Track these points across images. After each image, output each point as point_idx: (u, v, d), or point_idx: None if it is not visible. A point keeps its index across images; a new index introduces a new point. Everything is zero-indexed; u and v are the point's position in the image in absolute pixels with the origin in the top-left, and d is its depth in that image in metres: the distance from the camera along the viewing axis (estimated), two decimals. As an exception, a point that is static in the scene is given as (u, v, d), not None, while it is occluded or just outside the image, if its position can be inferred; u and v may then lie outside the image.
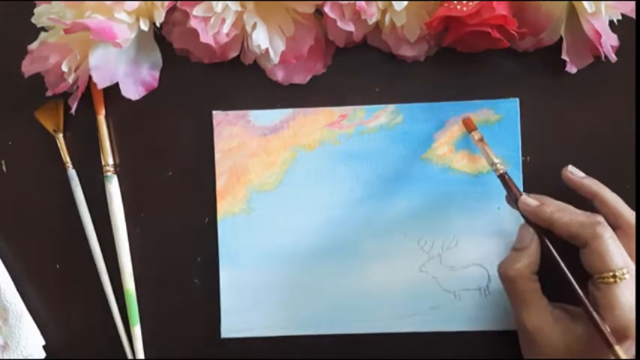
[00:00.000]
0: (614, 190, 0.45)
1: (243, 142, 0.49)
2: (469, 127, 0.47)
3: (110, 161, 0.49)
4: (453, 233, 0.48)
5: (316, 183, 0.49)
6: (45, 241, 0.50)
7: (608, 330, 0.40)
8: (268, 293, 0.49)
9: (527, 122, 0.48)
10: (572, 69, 0.47)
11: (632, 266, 0.41)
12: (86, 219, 0.49)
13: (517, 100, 0.48)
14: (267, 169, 0.49)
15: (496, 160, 0.45)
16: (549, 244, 0.43)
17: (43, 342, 0.50)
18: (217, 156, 0.49)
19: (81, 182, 0.50)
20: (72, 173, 0.50)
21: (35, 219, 0.50)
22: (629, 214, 0.43)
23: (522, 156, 0.48)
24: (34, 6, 0.47)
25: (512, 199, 0.45)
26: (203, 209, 0.49)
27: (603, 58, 0.46)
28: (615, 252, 0.40)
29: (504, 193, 0.46)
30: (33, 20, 0.47)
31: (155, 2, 0.46)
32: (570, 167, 0.46)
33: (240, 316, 0.49)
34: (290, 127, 0.49)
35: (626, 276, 0.40)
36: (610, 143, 0.48)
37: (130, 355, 0.49)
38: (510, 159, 0.48)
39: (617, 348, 0.39)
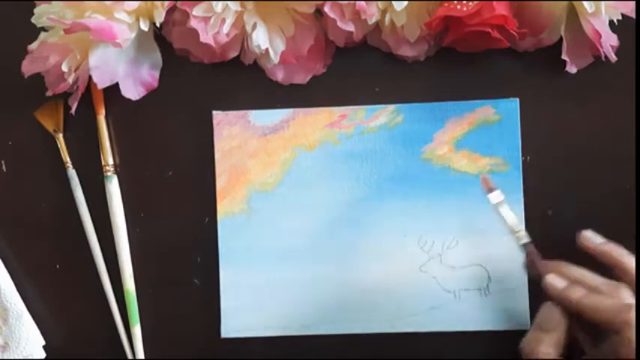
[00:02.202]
0: (614, 189, 0.45)
1: (243, 142, 0.49)
2: (488, 186, 0.45)
3: (110, 161, 0.49)
4: (453, 233, 0.48)
5: (316, 183, 0.49)
6: (45, 241, 0.50)
7: None
8: (268, 293, 0.49)
9: (527, 122, 0.48)
10: (572, 69, 0.47)
11: None
12: (86, 219, 0.49)
13: (517, 100, 0.48)
14: (267, 169, 0.49)
15: (517, 229, 0.44)
16: (577, 327, 0.41)
17: (43, 342, 0.50)
18: (217, 156, 0.49)
19: (81, 182, 0.50)
20: (72, 173, 0.50)
21: (35, 219, 0.50)
22: None
23: (522, 156, 0.48)
24: (34, 6, 0.47)
25: (534, 274, 0.43)
26: (203, 209, 0.49)
27: (603, 58, 0.46)
28: None
29: (504, 193, 0.45)
30: (33, 20, 0.47)
31: (155, 2, 0.46)
32: (585, 233, 0.43)
33: (240, 316, 0.49)
34: (290, 127, 0.49)
35: None
36: (610, 143, 0.48)
37: (130, 355, 0.49)
38: (510, 159, 0.48)
39: None
